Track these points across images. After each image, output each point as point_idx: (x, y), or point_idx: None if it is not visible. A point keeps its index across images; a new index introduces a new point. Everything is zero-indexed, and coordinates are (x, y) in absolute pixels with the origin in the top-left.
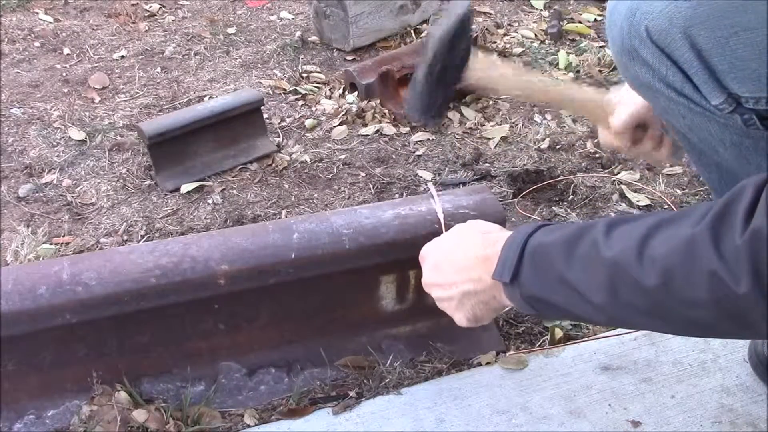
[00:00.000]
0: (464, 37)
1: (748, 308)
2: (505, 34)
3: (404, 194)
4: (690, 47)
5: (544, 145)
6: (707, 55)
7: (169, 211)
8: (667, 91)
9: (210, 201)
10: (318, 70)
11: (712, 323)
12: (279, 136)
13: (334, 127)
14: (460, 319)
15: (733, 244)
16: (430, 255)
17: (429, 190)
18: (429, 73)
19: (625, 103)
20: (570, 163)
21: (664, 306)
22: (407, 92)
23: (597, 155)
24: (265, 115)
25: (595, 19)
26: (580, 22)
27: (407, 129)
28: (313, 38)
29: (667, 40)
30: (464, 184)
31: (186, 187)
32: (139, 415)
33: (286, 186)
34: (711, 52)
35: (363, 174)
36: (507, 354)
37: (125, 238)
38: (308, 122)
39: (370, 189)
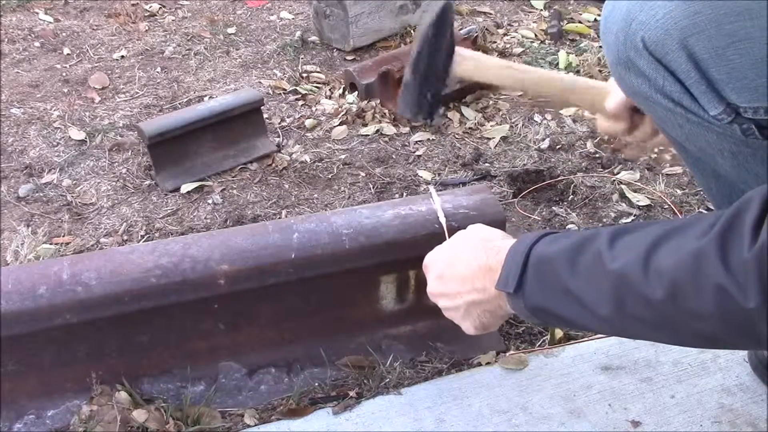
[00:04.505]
0: (444, 31)
1: (756, 322)
2: (505, 34)
3: (404, 194)
4: (687, 57)
5: (544, 145)
6: (705, 66)
7: (169, 211)
8: (664, 102)
9: (210, 201)
10: (318, 70)
11: (720, 336)
12: (279, 136)
13: (334, 127)
14: (468, 327)
15: (740, 257)
16: (433, 265)
17: (430, 193)
18: (415, 70)
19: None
20: (570, 163)
21: (671, 319)
22: (400, 92)
23: (597, 155)
24: (265, 115)
25: (595, 19)
26: (580, 22)
27: (407, 129)
28: (313, 38)
29: (664, 51)
30: (464, 184)
31: (186, 187)
32: (139, 415)
33: (286, 186)
34: (708, 63)
35: (363, 174)
36: (507, 354)
37: (125, 238)
38: (308, 122)
39: (370, 189)
